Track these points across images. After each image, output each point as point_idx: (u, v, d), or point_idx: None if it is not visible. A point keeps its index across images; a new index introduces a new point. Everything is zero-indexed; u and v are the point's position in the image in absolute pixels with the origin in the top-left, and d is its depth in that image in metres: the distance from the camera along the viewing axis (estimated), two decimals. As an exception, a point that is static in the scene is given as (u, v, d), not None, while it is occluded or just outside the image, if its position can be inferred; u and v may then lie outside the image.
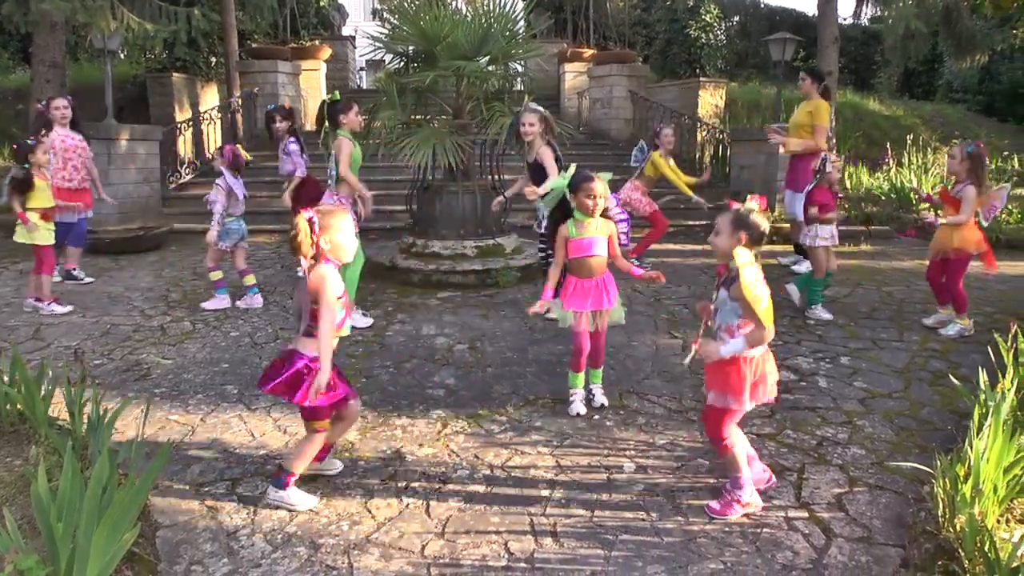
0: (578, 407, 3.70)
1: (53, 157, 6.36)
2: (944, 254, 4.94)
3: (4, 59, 16.16)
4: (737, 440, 2.79)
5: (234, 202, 5.59)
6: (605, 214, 3.61)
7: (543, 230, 5.27)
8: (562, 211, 3.68)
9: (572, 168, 3.72)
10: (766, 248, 7.61)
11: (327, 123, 5.34)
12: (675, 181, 6.90)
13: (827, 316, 5.34)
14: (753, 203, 2.72)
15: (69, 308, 5.53)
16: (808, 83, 6.85)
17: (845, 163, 11.62)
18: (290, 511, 2.78)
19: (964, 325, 4.99)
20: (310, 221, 2.68)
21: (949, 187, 5.08)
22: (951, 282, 4.97)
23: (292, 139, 6.40)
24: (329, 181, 5.33)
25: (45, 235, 5.52)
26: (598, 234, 3.57)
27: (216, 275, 5.64)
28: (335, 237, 2.74)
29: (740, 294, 2.59)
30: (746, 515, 2.76)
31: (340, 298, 2.76)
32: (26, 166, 5.41)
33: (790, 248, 7.50)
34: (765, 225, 2.68)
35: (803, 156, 6.75)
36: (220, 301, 5.63)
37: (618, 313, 3.69)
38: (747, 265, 2.57)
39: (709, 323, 2.85)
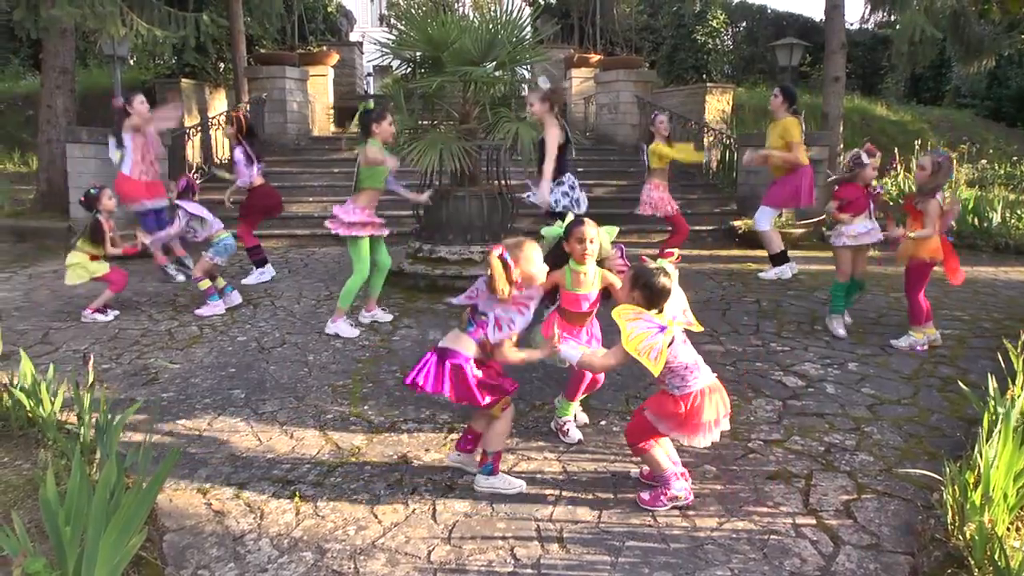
0: (576, 434, 3.50)
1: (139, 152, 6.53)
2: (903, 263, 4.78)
3: (14, 65, 16.31)
4: (654, 446, 2.90)
5: (207, 224, 5.75)
6: (602, 264, 3.36)
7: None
8: (555, 259, 3.34)
9: (569, 217, 3.42)
10: (762, 254, 7.55)
11: (360, 130, 5.35)
12: (684, 157, 7.20)
13: (841, 332, 5.00)
14: (664, 262, 2.82)
15: (111, 317, 5.50)
16: (778, 101, 6.68)
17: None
18: (298, 514, 2.79)
19: (917, 338, 4.77)
20: (502, 258, 2.81)
21: (914, 199, 4.80)
22: (908, 290, 4.80)
23: (238, 147, 6.60)
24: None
25: (97, 268, 5.51)
26: (592, 291, 3.30)
27: (204, 284, 5.67)
28: (527, 268, 2.89)
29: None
30: (752, 521, 2.75)
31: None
32: (96, 213, 5.44)
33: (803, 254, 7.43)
34: (664, 284, 2.74)
35: (785, 175, 6.70)
36: (214, 307, 5.67)
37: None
38: (624, 317, 2.69)
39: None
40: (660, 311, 2.76)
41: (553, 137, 5.26)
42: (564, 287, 3.30)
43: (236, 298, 5.87)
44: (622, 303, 2.84)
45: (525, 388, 4.12)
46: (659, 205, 7.02)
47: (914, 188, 5.14)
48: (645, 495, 2.90)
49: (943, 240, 4.69)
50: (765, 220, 6.83)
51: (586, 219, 3.32)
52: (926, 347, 4.76)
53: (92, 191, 5.57)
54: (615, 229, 3.50)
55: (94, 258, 5.51)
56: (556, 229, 3.38)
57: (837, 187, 5.12)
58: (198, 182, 10.74)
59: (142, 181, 6.67)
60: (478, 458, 3.09)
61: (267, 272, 6.82)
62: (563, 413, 3.55)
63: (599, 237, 3.25)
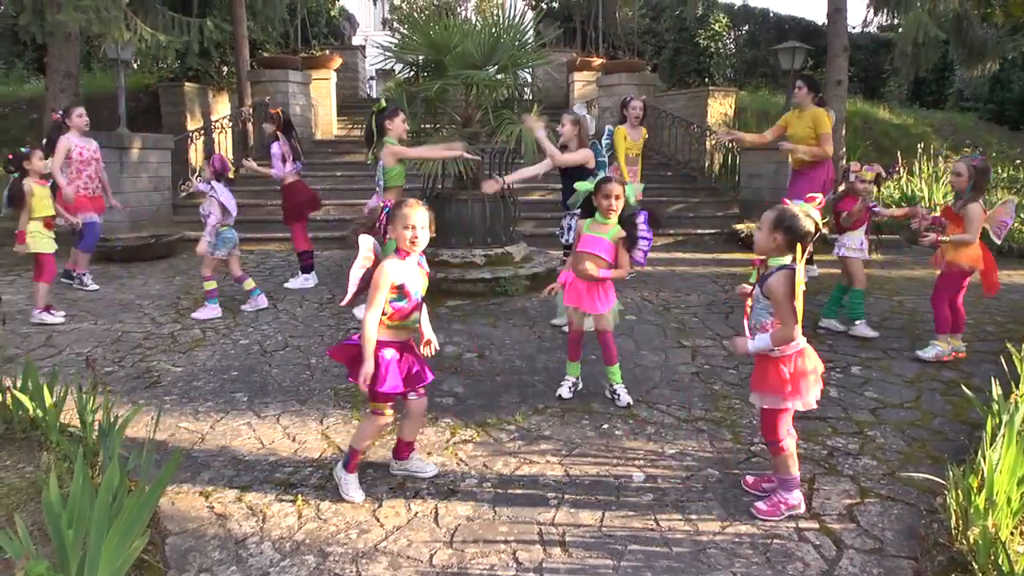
0: (563, 391, 3.95)
1: (68, 167, 6.45)
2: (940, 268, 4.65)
3: (18, 69, 16.36)
4: (791, 444, 2.82)
5: (226, 213, 5.66)
6: (629, 223, 3.69)
7: (566, 241, 5.32)
8: (587, 213, 3.93)
9: (601, 174, 4.02)
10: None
11: (375, 133, 5.45)
12: (619, 158, 6.66)
13: (871, 333, 5.01)
14: (808, 206, 2.69)
15: (61, 319, 5.46)
16: (804, 92, 6.66)
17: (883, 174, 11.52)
18: (300, 517, 2.79)
19: (942, 348, 4.60)
20: (383, 208, 2.95)
21: (952, 204, 4.67)
22: (935, 297, 4.65)
23: (275, 142, 6.59)
24: (377, 188, 5.44)
25: (47, 243, 5.45)
26: (606, 237, 3.72)
27: (210, 284, 5.65)
28: (399, 229, 2.84)
29: (771, 292, 2.65)
30: (754, 525, 2.75)
31: (399, 287, 2.83)
32: (14, 174, 5.31)
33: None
34: (808, 228, 2.63)
35: (808, 168, 6.70)
36: (211, 311, 5.64)
37: (609, 319, 3.86)
38: (782, 263, 2.61)
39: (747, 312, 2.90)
40: (796, 258, 2.63)
41: (580, 154, 5.24)
42: (583, 231, 3.79)
43: (263, 301, 5.85)
44: (760, 246, 2.72)
45: (528, 392, 4.12)
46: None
47: (931, 196, 5.13)
48: (762, 505, 2.82)
49: (984, 249, 4.52)
50: None
51: (615, 177, 3.81)
52: (951, 356, 4.60)
53: (23, 149, 5.43)
54: (641, 186, 3.86)
55: (48, 225, 5.42)
56: (588, 185, 3.88)
57: (838, 201, 5.15)
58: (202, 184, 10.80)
59: (84, 194, 6.54)
60: (418, 463, 3.18)
61: (311, 279, 6.75)
62: (572, 373, 4.02)
63: (624, 195, 3.70)
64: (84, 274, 6.65)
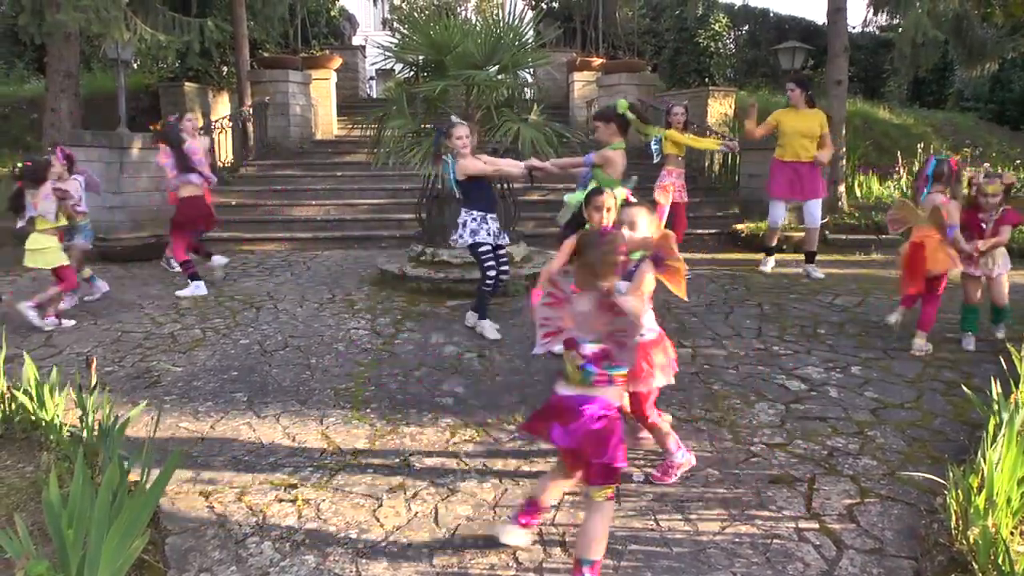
0: None
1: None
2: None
3: (19, 69, 16.36)
4: (658, 419, 3.14)
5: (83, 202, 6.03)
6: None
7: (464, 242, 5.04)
8: (575, 227, 3.71)
9: (592, 184, 3.76)
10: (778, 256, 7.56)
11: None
12: (698, 146, 7.57)
13: (969, 348, 4.84)
14: (621, 189, 3.06)
15: (52, 325, 5.36)
16: (797, 93, 6.80)
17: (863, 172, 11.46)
18: (300, 516, 2.79)
19: (918, 343, 4.71)
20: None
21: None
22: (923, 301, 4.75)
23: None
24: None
25: (61, 256, 5.36)
26: None
27: (86, 272, 6.05)
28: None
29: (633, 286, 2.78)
30: (754, 525, 2.75)
31: None
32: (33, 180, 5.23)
33: (799, 257, 7.41)
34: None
35: (814, 166, 6.80)
36: (102, 287, 6.10)
37: None
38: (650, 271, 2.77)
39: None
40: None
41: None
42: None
43: (103, 286, 6.18)
44: (635, 243, 2.92)
45: (528, 392, 4.12)
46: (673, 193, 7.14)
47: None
48: (655, 472, 3.11)
49: (915, 247, 4.62)
50: (817, 214, 7.03)
51: (606, 189, 3.58)
52: (925, 352, 4.68)
53: (46, 157, 5.54)
54: (632, 181, 3.65)
55: (61, 237, 5.42)
56: (579, 195, 3.68)
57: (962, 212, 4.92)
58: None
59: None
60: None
61: (200, 286, 6.34)
62: None
63: (616, 206, 3.51)
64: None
